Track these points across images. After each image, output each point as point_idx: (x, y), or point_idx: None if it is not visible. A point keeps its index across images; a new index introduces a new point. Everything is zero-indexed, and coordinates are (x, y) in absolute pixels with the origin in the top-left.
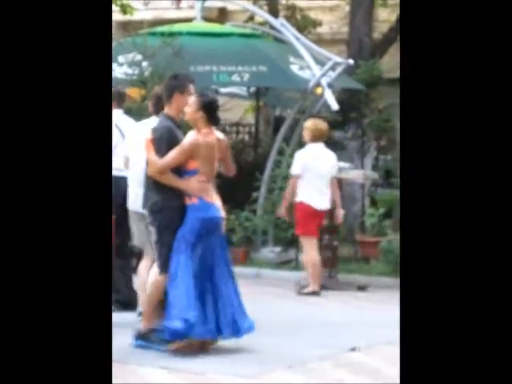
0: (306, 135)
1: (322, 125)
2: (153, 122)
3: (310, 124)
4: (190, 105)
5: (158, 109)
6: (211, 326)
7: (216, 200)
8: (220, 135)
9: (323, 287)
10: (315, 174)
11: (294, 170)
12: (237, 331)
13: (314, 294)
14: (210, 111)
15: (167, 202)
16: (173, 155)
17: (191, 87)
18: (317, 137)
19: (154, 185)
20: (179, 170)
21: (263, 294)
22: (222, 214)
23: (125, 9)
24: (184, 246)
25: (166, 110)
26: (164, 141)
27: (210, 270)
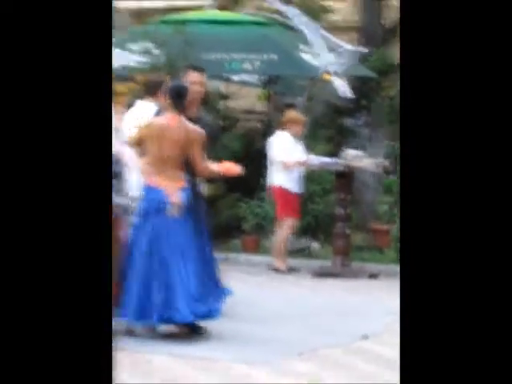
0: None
1: (294, 116)
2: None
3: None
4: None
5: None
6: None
7: (162, 183)
8: (195, 127)
9: (336, 275)
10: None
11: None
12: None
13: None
14: (172, 97)
15: None
16: None
17: (193, 75)
18: (289, 126)
19: None
20: None
21: (275, 282)
22: (168, 197)
23: None
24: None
25: None
26: None
27: (156, 252)
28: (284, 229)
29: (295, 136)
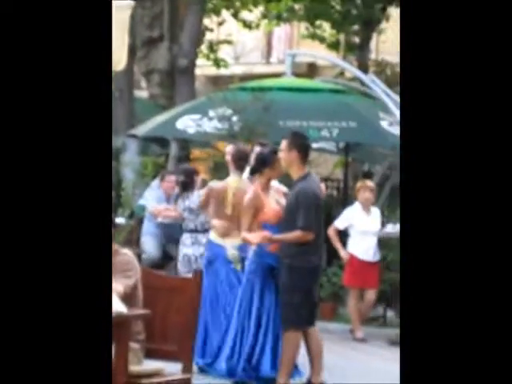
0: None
1: (363, 184)
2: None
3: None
4: None
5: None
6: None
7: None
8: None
9: None
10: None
11: None
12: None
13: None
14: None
15: None
16: None
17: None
18: (359, 195)
19: None
20: None
21: (350, 350)
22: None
23: (218, 63)
24: None
25: None
26: None
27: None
28: (351, 297)
29: (366, 204)
